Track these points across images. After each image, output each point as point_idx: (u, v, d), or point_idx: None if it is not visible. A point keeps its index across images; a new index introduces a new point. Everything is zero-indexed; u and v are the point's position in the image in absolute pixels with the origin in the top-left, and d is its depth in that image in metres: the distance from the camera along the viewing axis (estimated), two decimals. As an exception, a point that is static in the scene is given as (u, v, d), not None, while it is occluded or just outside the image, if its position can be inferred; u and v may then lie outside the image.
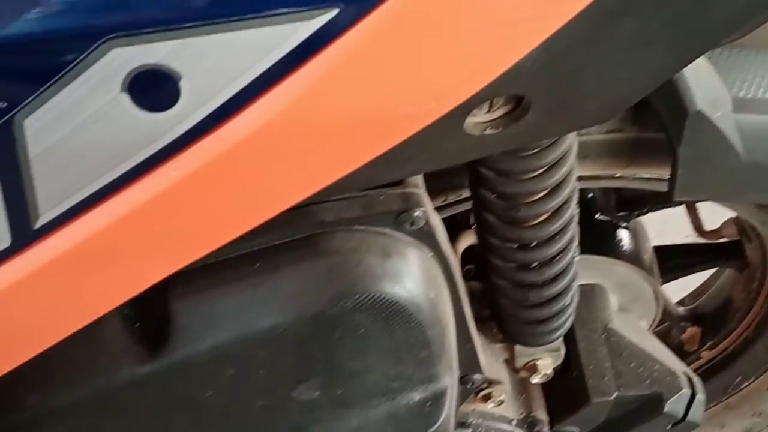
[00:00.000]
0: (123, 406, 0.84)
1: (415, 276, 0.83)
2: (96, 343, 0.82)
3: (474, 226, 1.04)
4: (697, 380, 1.16)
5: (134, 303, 0.78)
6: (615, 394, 1.11)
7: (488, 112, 0.71)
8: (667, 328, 1.46)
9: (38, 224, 0.62)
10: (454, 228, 1.05)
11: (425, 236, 0.85)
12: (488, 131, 0.71)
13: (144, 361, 0.82)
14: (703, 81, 0.93)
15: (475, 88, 0.63)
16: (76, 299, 0.71)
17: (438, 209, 0.96)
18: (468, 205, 1.06)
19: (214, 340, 0.80)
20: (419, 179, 0.86)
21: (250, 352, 0.81)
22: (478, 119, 0.71)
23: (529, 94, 0.69)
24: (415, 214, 0.83)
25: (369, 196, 0.83)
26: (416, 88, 0.63)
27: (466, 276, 1.05)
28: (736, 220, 1.34)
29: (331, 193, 0.82)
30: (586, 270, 1.16)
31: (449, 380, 0.87)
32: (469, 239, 1.07)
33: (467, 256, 1.08)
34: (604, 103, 0.75)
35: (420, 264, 0.84)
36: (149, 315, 0.82)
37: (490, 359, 1.07)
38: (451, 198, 1.05)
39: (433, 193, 0.92)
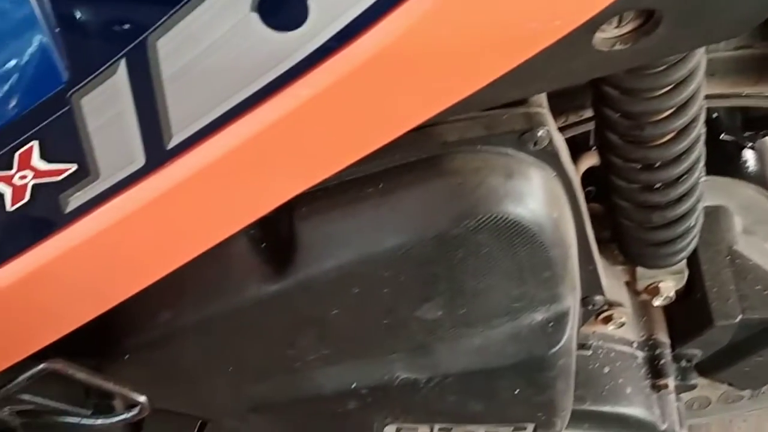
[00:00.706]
0: (250, 325, 0.87)
1: (538, 196, 0.82)
2: (224, 263, 0.84)
3: (595, 147, 1.02)
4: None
5: (260, 223, 0.79)
6: (739, 317, 1.09)
7: (617, 27, 0.69)
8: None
9: (171, 144, 0.63)
10: (574, 149, 1.03)
11: (548, 156, 0.84)
12: (617, 47, 0.69)
13: (270, 280, 0.84)
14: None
15: (606, 2, 0.62)
16: (206, 219, 0.72)
17: (559, 130, 0.95)
18: (589, 126, 1.04)
19: (338, 259, 0.82)
20: (543, 98, 0.85)
21: (374, 271, 0.82)
22: (607, 34, 0.69)
23: (660, 7, 0.67)
24: (539, 133, 0.82)
25: (492, 116, 0.82)
26: (544, 3, 0.62)
27: (587, 197, 1.03)
28: None
29: (454, 113, 0.82)
30: (711, 191, 1.13)
31: (572, 301, 0.87)
32: (590, 160, 1.05)
33: (588, 177, 1.06)
34: (736, 16, 0.72)
35: (543, 184, 0.83)
36: (275, 235, 0.83)
37: (612, 281, 1.06)
38: (572, 118, 1.03)
39: (554, 114, 0.91)
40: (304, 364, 0.88)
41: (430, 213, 0.81)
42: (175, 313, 0.87)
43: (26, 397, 0.93)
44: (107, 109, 0.61)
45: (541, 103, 0.84)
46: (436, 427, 0.94)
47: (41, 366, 0.82)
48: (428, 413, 0.93)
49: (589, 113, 1.01)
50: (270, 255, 0.84)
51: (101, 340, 0.92)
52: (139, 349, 0.90)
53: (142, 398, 0.87)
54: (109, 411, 0.96)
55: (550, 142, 0.83)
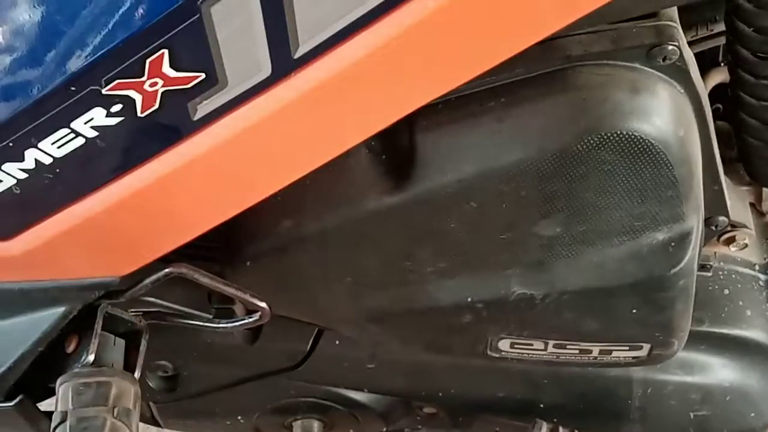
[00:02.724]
0: (368, 236, 0.87)
1: (664, 113, 0.80)
2: (344, 175, 0.84)
3: (724, 63, 0.99)
4: None
5: (381, 136, 0.79)
6: None
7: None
8: None
9: (298, 54, 0.63)
10: (702, 65, 1.00)
11: (677, 72, 0.81)
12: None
13: (389, 192, 0.84)
14: None
15: None
16: (330, 129, 0.73)
17: (688, 44, 0.92)
18: (718, 41, 1.01)
19: (458, 173, 0.81)
20: (673, 12, 0.82)
21: (493, 186, 0.81)
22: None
23: None
24: (668, 48, 0.79)
25: (620, 29, 0.80)
26: None
27: (714, 115, 1.01)
28: None
29: (580, 27, 0.80)
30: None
31: (695, 221, 0.85)
32: (718, 77, 1.02)
33: (715, 94, 1.03)
34: None
35: (670, 100, 0.81)
36: (395, 148, 0.84)
37: (736, 202, 1.03)
38: (702, 33, 1.00)
39: (683, 28, 0.88)
40: (421, 276, 0.89)
41: (552, 128, 0.80)
42: (296, 222, 0.88)
43: (151, 299, 0.96)
44: (236, 17, 0.61)
45: (671, 16, 0.82)
46: (551, 343, 0.94)
47: (167, 270, 0.85)
48: (543, 329, 0.93)
49: (719, 27, 0.97)
50: (390, 168, 0.84)
51: (223, 248, 0.95)
52: (259, 257, 0.92)
53: (264, 304, 0.89)
54: (230, 317, 0.98)
55: (680, 57, 0.80)
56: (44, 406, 0.95)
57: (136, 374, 0.89)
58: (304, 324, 1.04)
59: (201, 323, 0.95)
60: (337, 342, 1.07)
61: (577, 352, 0.95)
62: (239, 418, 1.18)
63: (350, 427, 1.18)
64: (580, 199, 0.82)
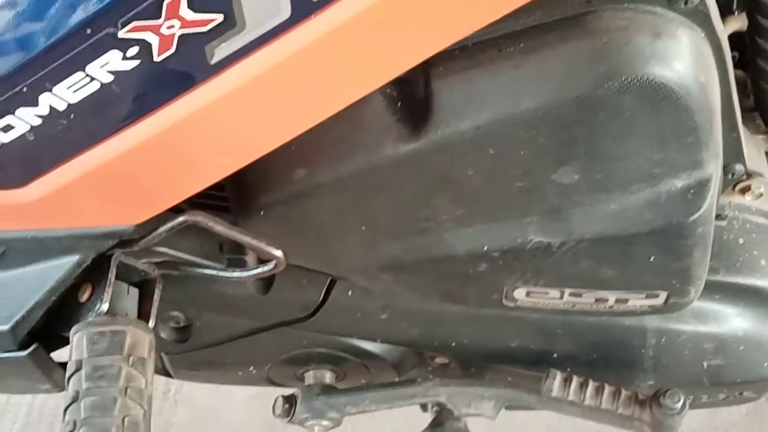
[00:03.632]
0: (384, 184, 0.87)
1: (685, 58, 0.79)
2: (359, 122, 0.83)
3: (741, 10, 0.97)
4: None
5: (397, 82, 0.79)
6: None
7: None
8: None
9: (318, -5, 0.62)
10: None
11: (699, 16, 0.80)
12: None
13: (405, 139, 0.83)
14: None
15: None
16: (347, 74, 0.72)
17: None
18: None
19: (475, 119, 0.80)
20: (693, -46, 0.81)
21: (511, 132, 0.80)
22: None
23: None
24: (690, -10, 0.78)
25: (641, -28, 0.79)
26: None
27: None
28: None
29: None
30: None
31: (714, 168, 0.84)
32: (735, 24, 1.01)
33: (731, 43, 1.02)
34: None
35: (691, 45, 0.80)
36: (412, 95, 0.82)
37: (751, 150, 1.02)
38: (718, -21, 0.98)
39: (702, -29, 0.87)
40: (437, 224, 0.88)
41: (571, 73, 0.79)
42: (311, 170, 0.87)
43: (163, 250, 0.96)
44: (255, -43, 0.61)
45: (692, -40, 0.80)
46: (567, 291, 0.94)
47: (182, 218, 0.84)
48: (560, 278, 0.92)
49: (736, -27, 0.96)
50: (406, 114, 0.83)
51: (237, 197, 0.94)
52: (273, 206, 0.91)
53: (279, 252, 0.88)
54: (242, 267, 0.98)
55: (702, 0, 0.79)
56: (56, 358, 0.95)
57: (150, 323, 0.89)
58: (317, 274, 1.04)
59: (215, 272, 0.95)
60: (350, 292, 1.06)
61: (593, 300, 0.95)
62: (251, 368, 1.18)
63: (362, 378, 1.18)
64: (599, 145, 0.81)
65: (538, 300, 0.95)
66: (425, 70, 0.81)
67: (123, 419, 0.79)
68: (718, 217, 1.03)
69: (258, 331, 1.12)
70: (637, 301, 0.94)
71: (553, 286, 0.93)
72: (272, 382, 1.22)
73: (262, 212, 0.91)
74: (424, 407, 1.14)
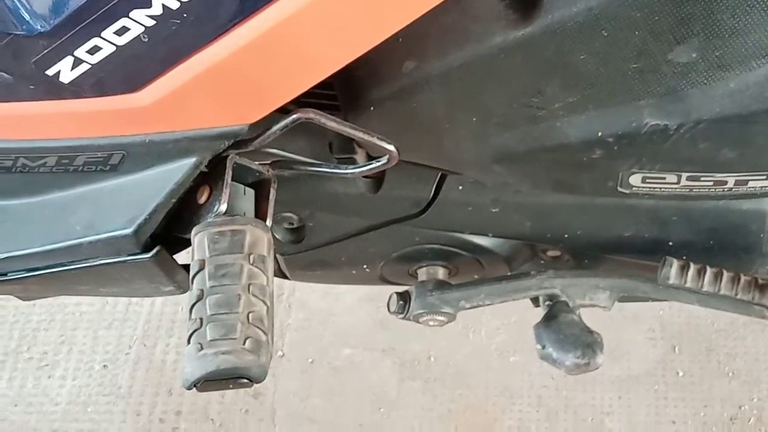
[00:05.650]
0: (494, 73, 0.86)
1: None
2: (467, 10, 0.82)
3: None
4: None
5: (506, -34, 0.77)
6: None
7: None
8: None
9: None
10: None
11: None
12: None
13: (515, 26, 0.81)
14: None
15: None
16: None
17: None
18: None
19: (587, 1, 0.78)
20: None
21: (625, 12, 0.78)
22: None
23: None
24: None
25: None
26: None
27: None
28: None
29: None
30: None
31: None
32: None
33: None
34: None
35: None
36: (520, -22, 0.81)
37: None
38: None
39: None
40: (549, 112, 0.87)
41: (688, -54, 0.76)
42: (419, 62, 0.87)
43: (275, 151, 0.97)
44: None
45: None
46: (684, 176, 0.92)
47: (295, 116, 0.85)
48: (677, 161, 0.90)
49: None
50: (515, 0, 0.81)
51: (346, 94, 0.94)
52: (383, 101, 0.91)
53: (392, 147, 0.88)
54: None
55: None
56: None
57: (268, 222, 0.90)
58: (427, 170, 1.04)
59: (329, 170, 0.95)
60: (461, 187, 1.06)
61: (712, 184, 0.92)
62: (365, 267, 1.19)
63: (475, 273, 1.18)
64: (717, 20, 0.78)
65: (655, 185, 0.94)
66: (535, -48, 0.79)
67: (248, 315, 0.81)
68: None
69: (370, 230, 1.12)
70: (757, 182, 0.92)
71: (669, 171, 0.92)
72: (385, 280, 1.23)
73: (371, 108, 0.91)
74: (535, 301, 1.14)
